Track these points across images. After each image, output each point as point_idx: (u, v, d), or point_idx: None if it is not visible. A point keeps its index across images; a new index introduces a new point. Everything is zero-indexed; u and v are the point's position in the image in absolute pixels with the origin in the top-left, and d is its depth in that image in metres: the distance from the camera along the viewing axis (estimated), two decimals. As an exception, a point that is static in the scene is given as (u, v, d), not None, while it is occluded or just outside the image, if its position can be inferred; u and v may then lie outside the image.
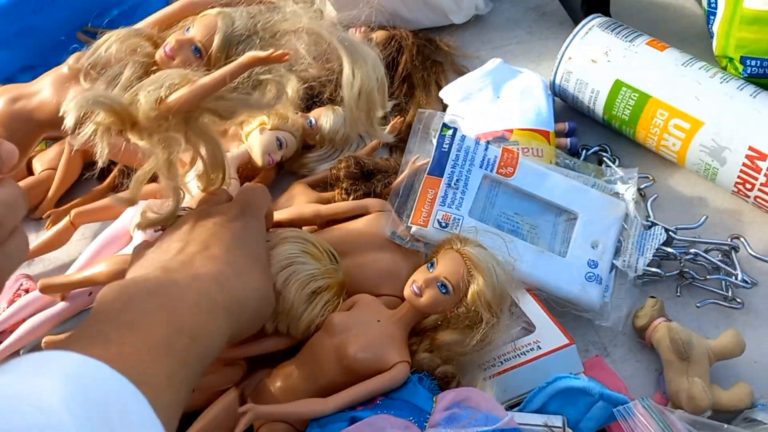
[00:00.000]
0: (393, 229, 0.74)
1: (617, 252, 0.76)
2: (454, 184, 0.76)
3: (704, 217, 0.80)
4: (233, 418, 0.64)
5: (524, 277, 0.72)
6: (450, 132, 0.79)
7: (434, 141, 0.79)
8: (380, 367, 0.62)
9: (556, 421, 0.58)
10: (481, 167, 0.78)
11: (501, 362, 0.66)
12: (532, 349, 0.67)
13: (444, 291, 0.62)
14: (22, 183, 0.95)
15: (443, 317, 0.67)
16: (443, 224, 0.74)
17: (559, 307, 0.73)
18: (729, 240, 0.79)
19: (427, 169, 0.77)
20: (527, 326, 0.70)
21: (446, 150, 0.78)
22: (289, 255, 0.66)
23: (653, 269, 0.75)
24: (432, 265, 0.64)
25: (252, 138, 0.89)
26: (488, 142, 0.80)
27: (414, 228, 0.74)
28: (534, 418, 0.58)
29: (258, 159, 0.88)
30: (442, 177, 0.76)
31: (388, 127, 0.92)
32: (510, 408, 0.61)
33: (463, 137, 0.79)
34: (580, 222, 0.77)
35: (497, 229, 0.75)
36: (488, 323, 0.63)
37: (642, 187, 0.85)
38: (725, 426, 0.58)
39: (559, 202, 0.78)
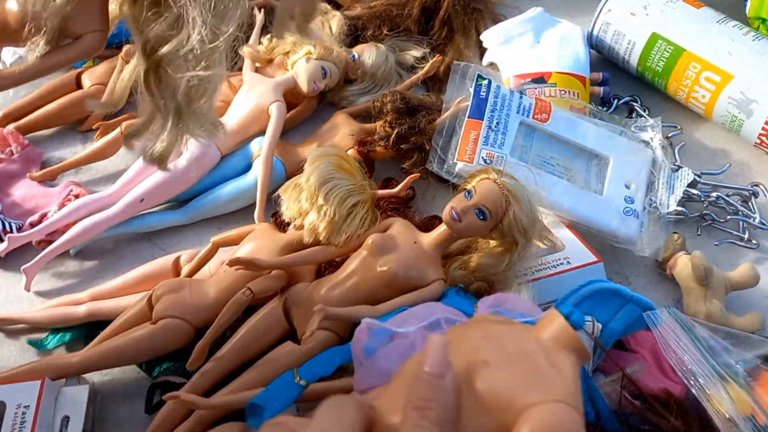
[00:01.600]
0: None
1: (649, 191, 0.81)
2: (495, 126, 0.81)
3: (728, 164, 0.85)
4: (275, 324, 0.69)
5: (567, 213, 0.78)
6: (485, 82, 0.83)
7: (471, 89, 0.83)
8: (419, 285, 0.67)
9: (585, 319, 0.62)
10: (518, 113, 0.82)
11: (532, 272, 0.71)
12: (561, 264, 0.71)
13: (481, 217, 0.66)
14: (70, 96, 0.99)
15: (472, 242, 0.71)
16: (488, 161, 0.78)
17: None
18: (749, 186, 0.83)
19: (467, 112, 0.82)
20: (554, 249, 0.75)
21: (484, 97, 0.82)
22: (329, 171, 0.71)
23: (679, 208, 0.80)
24: (469, 193, 0.68)
25: (298, 66, 0.93)
26: (522, 93, 0.85)
27: (460, 164, 0.79)
28: (566, 318, 0.62)
29: (304, 85, 0.92)
30: (482, 120, 0.81)
31: (427, 66, 0.97)
32: (542, 311, 0.66)
33: (498, 87, 0.83)
34: (612, 165, 0.82)
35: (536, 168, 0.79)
36: (523, 247, 0.67)
37: (670, 135, 0.89)
38: (742, 333, 0.63)
39: (592, 146, 0.83)
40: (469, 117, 0.81)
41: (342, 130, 0.90)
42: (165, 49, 0.46)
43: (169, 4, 0.47)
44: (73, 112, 0.99)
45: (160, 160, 0.54)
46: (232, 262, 0.67)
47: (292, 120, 0.96)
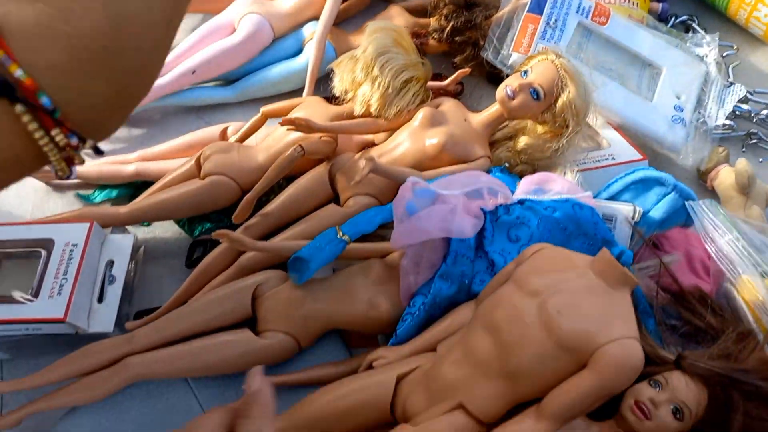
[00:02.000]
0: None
1: (698, 106, 0.80)
2: (553, 23, 0.80)
3: (781, 86, 0.84)
4: (320, 187, 0.71)
5: (617, 114, 0.77)
6: None
7: None
8: (465, 160, 0.68)
9: (627, 205, 0.63)
10: (577, 13, 0.82)
11: (576, 165, 0.71)
12: (606, 159, 0.72)
13: (535, 97, 0.66)
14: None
15: (519, 131, 0.72)
16: None
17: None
18: (802, 107, 0.83)
19: (527, 6, 0.81)
20: (599, 147, 0.75)
21: (544, -6, 0.82)
22: (386, 44, 0.71)
23: (728, 122, 0.79)
24: (525, 72, 0.68)
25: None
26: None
27: (515, 56, 0.79)
28: (606, 202, 0.63)
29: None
30: (541, 15, 0.81)
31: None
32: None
33: (559, -14, 0.82)
34: (664, 75, 0.81)
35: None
36: (573, 131, 0.67)
37: (725, 54, 0.88)
38: (782, 228, 0.63)
39: (646, 55, 0.82)
40: (528, 11, 0.81)
41: (395, 22, 0.90)
42: None
43: None
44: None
45: None
46: (285, 122, 0.68)
47: (345, 11, 0.95)
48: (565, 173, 0.65)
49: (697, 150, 0.78)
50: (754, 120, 0.81)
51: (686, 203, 0.64)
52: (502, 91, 0.67)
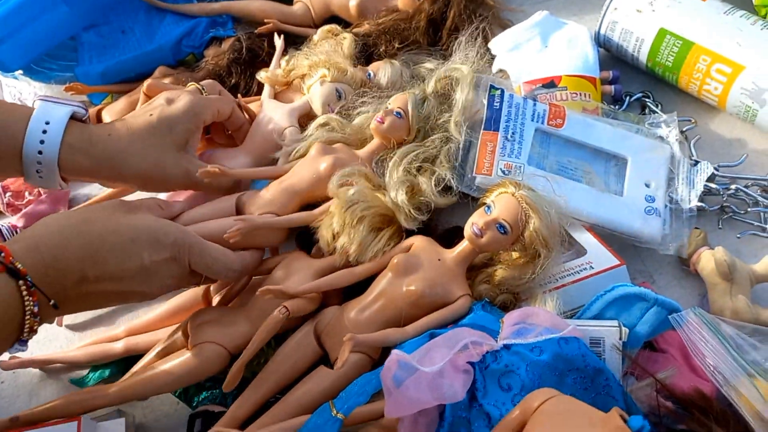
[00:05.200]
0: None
1: (669, 186, 0.81)
2: (510, 136, 0.81)
3: (744, 155, 0.85)
4: (308, 350, 0.71)
5: (588, 217, 0.78)
6: (498, 92, 0.84)
7: (485, 101, 0.84)
8: (446, 302, 0.68)
9: (612, 324, 0.63)
10: (532, 120, 0.83)
11: (556, 280, 0.71)
12: (584, 269, 0.72)
13: (502, 232, 0.67)
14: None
15: (495, 254, 0.72)
16: (506, 172, 0.79)
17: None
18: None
19: (482, 125, 0.82)
20: (578, 254, 0.75)
21: (497, 107, 0.83)
22: (356, 192, 0.72)
23: (699, 204, 0.80)
24: (489, 208, 0.69)
25: (313, 90, 0.93)
26: (535, 99, 0.85)
27: (479, 177, 0.80)
28: (591, 324, 0.63)
29: (318, 110, 0.92)
30: (498, 131, 0.82)
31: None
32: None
33: (511, 96, 0.84)
34: (630, 164, 0.82)
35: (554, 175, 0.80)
36: (545, 258, 0.68)
37: (684, 129, 0.89)
38: (768, 329, 0.63)
39: (609, 148, 0.83)
40: (484, 129, 0.82)
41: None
42: None
43: None
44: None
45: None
46: (263, 293, 0.69)
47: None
48: (545, 302, 0.66)
49: (676, 236, 0.78)
50: (725, 197, 0.82)
51: (670, 317, 0.63)
52: (469, 230, 0.68)
